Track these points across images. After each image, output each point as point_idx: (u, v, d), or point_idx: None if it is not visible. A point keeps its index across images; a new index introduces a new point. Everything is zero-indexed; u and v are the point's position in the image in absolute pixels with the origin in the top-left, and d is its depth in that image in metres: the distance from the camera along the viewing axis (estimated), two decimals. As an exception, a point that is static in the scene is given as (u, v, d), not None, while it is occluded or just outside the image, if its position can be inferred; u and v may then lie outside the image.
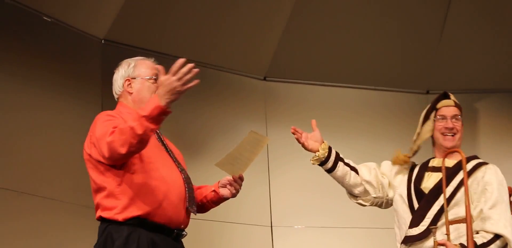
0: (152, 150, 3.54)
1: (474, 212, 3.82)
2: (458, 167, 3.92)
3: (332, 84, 7.23)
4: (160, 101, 3.24)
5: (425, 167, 4.07)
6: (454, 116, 4.08)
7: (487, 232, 3.77)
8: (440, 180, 3.89)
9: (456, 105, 4.13)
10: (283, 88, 7.07)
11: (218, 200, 3.74)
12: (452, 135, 4.04)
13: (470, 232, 3.60)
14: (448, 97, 4.16)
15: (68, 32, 5.89)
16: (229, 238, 6.46)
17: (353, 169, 4.18)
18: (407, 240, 3.88)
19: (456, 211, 3.81)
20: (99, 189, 3.50)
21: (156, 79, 3.66)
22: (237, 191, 3.70)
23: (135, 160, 3.46)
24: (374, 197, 4.17)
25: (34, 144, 5.46)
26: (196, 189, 3.75)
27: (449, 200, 3.83)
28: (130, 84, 3.70)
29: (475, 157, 4.08)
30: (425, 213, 3.86)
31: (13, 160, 5.33)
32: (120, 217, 3.43)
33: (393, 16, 7.00)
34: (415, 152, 4.16)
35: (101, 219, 3.50)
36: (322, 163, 4.14)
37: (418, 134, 4.16)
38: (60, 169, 5.58)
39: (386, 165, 4.22)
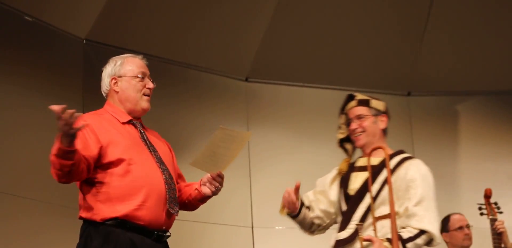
0: (132, 151, 3.53)
1: (400, 209, 3.84)
2: (382, 164, 3.94)
3: (314, 86, 7.23)
4: (61, 142, 3.25)
5: (352, 168, 4.11)
6: (357, 117, 4.10)
7: (413, 228, 3.82)
8: (365, 181, 3.94)
9: (360, 104, 4.15)
10: (265, 89, 7.07)
11: (202, 198, 3.72)
12: (360, 135, 4.07)
13: (394, 225, 3.62)
14: (353, 99, 4.18)
15: (49, 31, 5.87)
16: (211, 239, 6.45)
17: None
18: (337, 244, 3.94)
19: (382, 209, 3.83)
20: (81, 189, 3.52)
21: (143, 77, 3.67)
22: (218, 189, 3.67)
23: (114, 161, 3.47)
24: (326, 225, 4.19)
25: (14, 145, 5.43)
26: (184, 187, 3.74)
27: (374, 199, 3.87)
28: (116, 82, 3.68)
29: (400, 152, 4.09)
30: (351, 216, 3.92)
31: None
32: (98, 218, 3.44)
33: (374, 17, 7.01)
34: (347, 153, 4.20)
35: (81, 219, 3.51)
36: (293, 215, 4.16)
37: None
38: (41, 170, 5.55)
39: (320, 182, 4.24)
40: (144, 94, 3.68)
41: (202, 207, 3.85)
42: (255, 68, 7.03)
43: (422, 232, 3.81)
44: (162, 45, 6.49)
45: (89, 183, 3.48)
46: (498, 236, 5.26)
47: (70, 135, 3.22)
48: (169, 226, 3.58)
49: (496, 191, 5.52)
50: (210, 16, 6.59)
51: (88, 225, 3.47)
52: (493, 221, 5.30)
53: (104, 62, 6.15)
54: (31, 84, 5.64)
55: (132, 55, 3.80)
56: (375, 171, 3.95)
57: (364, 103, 4.14)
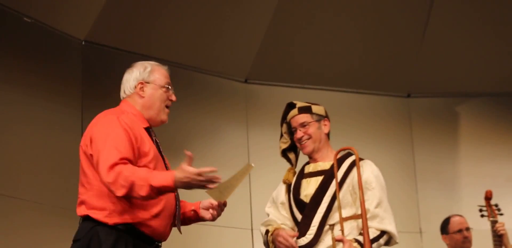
0: (156, 161, 3.51)
1: (359, 211, 3.86)
2: (333, 168, 3.95)
3: (313, 87, 7.22)
4: (173, 183, 3.25)
5: (301, 175, 4.12)
6: (301, 125, 4.10)
7: (375, 229, 3.88)
8: (320, 186, 3.97)
9: (301, 111, 4.15)
10: (264, 90, 7.05)
11: (196, 220, 3.73)
12: (306, 142, 4.09)
13: (365, 227, 3.65)
14: (293, 107, 4.17)
15: (48, 33, 5.85)
16: (210, 241, 6.43)
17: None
18: None
19: (346, 212, 3.86)
20: (90, 185, 3.44)
21: (168, 89, 3.68)
22: (218, 216, 3.71)
23: (139, 166, 3.43)
24: None
25: (13, 145, 5.41)
26: None
27: (332, 203, 3.91)
28: (142, 87, 3.66)
29: (349, 154, 4.10)
30: (310, 222, 3.93)
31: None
32: (111, 221, 3.39)
33: (374, 19, 7.00)
34: (290, 162, 4.21)
35: (86, 217, 3.44)
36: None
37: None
38: (38, 172, 5.54)
39: (276, 195, 4.21)
40: (166, 106, 3.69)
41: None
42: (255, 69, 7.01)
43: (383, 232, 3.89)
44: (160, 46, 6.48)
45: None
46: (498, 238, 5.25)
47: (191, 189, 3.29)
48: (166, 239, 3.59)
49: (497, 193, 5.51)
50: (210, 18, 6.57)
51: (95, 225, 3.40)
52: (493, 223, 5.30)
53: (103, 63, 6.17)
54: (29, 85, 5.62)
55: (159, 64, 3.79)
56: (329, 175, 3.98)
57: (306, 110, 4.14)
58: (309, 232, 3.92)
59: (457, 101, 7.44)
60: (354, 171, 3.96)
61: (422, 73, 7.30)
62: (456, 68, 7.28)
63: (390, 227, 3.92)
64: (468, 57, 7.20)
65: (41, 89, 5.67)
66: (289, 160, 4.20)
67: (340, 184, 3.93)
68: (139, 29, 6.34)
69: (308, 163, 4.17)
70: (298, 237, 3.93)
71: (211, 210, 3.68)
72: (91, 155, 3.42)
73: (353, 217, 3.78)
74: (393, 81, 7.33)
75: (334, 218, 3.89)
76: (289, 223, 4.07)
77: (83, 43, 6.10)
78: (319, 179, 4.01)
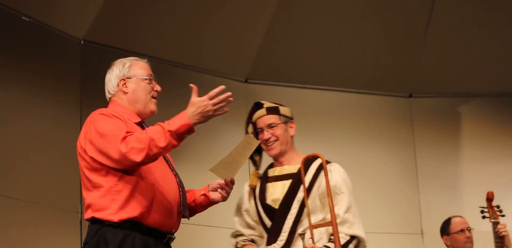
0: None
1: (328, 216, 3.84)
2: (300, 172, 3.90)
3: (314, 87, 7.20)
4: (189, 119, 3.28)
5: (266, 179, 4.05)
6: (268, 125, 4.04)
7: (345, 234, 3.85)
8: (288, 190, 3.91)
9: (269, 112, 4.09)
10: (265, 90, 7.03)
11: (208, 204, 3.70)
12: (273, 144, 4.02)
13: (336, 235, 3.61)
14: (261, 107, 4.12)
15: (47, 32, 5.84)
16: (211, 242, 6.40)
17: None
18: None
19: (312, 218, 3.83)
20: (94, 187, 3.43)
21: (151, 80, 3.68)
22: (228, 195, 3.65)
23: None
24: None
25: (10, 144, 5.39)
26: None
27: (302, 208, 3.86)
28: (125, 83, 3.67)
29: (316, 157, 4.03)
30: (280, 228, 3.87)
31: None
32: (116, 218, 3.36)
33: (376, 19, 6.98)
34: (255, 164, 4.15)
35: (93, 220, 3.43)
36: None
37: None
38: (42, 173, 5.53)
39: (241, 201, 4.15)
40: (152, 97, 3.70)
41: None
42: (255, 69, 6.99)
43: (353, 237, 3.87)
44: (160, 46, 6.46)
45: (106, 181, 3.40)
46: (500, 239, 5.23)
47: (209, 117, 3.30)
48: (177, 229, 3.57)
49: (498, 194, 5.49)
50: (209, 17, 6.56)
51: (102, 226, 3.38)
52: (495, 224, 5.27)
53: (102, 62, 6.12)
54: (28, 85, 5.62)
55: (138, 58, 3.79)
56: (296, 180, 3.92)
57: (274, 111, 4.09)
58: (280, 239, 3.86)
59: (459, 101, 7.42)
60: (322, 174, 3.90)
61: (424, 73, 7.28)
62: (458, 68, 7.26)
63: (359, 231, 3.89)
64: (470, 57, 7.18)
65: (40, 88, 5.66)
66: (254, 162, 4.12)
67: (309, 189, 3.88)
68: (138, 28, 6.33)
69: (271, 166, 4.09)
70: (269, 244, 3.88)
71: (219, 190, 3.65)
72: (90, 157, 3.41)
73: (323, 225, 3.72)
74: (394, 81, 7.31)
75: (304, 223, 3.84)
76: (255, 230, 4.00)
77: (81, 42, 6.09)
78: (285, 183, 3.95)
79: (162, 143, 3.24)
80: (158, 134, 3.24)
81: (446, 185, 7.19)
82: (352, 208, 3.91)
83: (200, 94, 6.77)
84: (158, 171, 3.48)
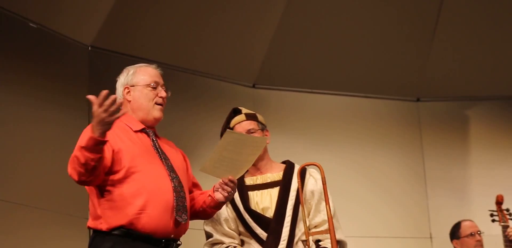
0: (140, 159, 3.51)
1: (313, 222, 3.88)
2: (287, 179, 3.91)
3: (322, 92, 7.20)
4: (93, 131, 3.22)
5: (244, 187, 3.99)
6: (248, 131, 4.00)
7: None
8: (279, 198, 3.88)
9: (249, 118, 4.06)
10: (272, 95, 7.03)
11: (216, 204, 3.67)
12: None
13: (334, 241, 3.62)
14: (239, 112, 4.09)
15: (54, 38, 5.85)
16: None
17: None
18: None
19: (300, 224, 3.84)
20: (90, 198, 3.51)
21: (155, 87, 3.68)
22: (230, 194, 3.61)
23: (121, 169, 3.45)
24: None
25: (18, 150, 5.40)
26: (199, 195, 3.72)
27: (295, 215, 3.86)
28: (129, 92, 3.69)
29: (292, 163, 4.03)
30: (279, 236, 3.85)
31: (4, 171, 5.28)
32: (104, 227, 3.42)
33: (382, 23, 6.98)
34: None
35: (89, 228, 3.50)
36: None
37: None
38: (51, 180, 5.53)
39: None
40: (156, 103, 3.69)
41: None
42: (262, 74, 6.99)
43: (338, 242, 3.82)
44: (168, 51, 6.47)
45: (98, 191, 3.47)
46: (510, 243, 5.22)
47: (108, 123, 3.21)
48: (178, 234, 3.55)
49: (508, 197, 5.49)
50: (216, 22, 6.56)
51: (96, 235, 3.46)
52: (505, 227, 5.27)
53: (110, 68, 6.15)
54: (36, 91, 5.63)
55: (146, 64, 3.80)
56: (285, 187, 3.90)
57: (253, 117, 4.06)
58: (280, 247, 3.83)
59: (467, 105, 7.40)
60: (306, 181, 3.92)
61: (431, 77, 7.28)
62: (466, 71, 7.25)
63: (342, 236, 3.90)
64: (478, 61, 7.17)
65: (48, 94, 5.67)
66: None
67: (297, 196, 3.86)
68: (145, 34, 6.34)
69: (246, 173, 4.03)
70: None
71: (220, 190, 3.62)
72: None
73: (321, 232, 3.73)
74: (402, 85, 7.31)
75: (300, 228, 3.84)
76: (235, 239, 3.95)
77: (89, 48, 6.10)
78: (272, 191, 3.93)
79: (81, 160, 3.25)
80: (77, 151, 3.26)
81: (455, 189, 7.17)
82: (336, 214, 3.92)
83: (209, 99, 6.82)
84: (147, 177, 3.48)
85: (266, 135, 4.04)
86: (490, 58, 7.16)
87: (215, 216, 3.93)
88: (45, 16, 5.77)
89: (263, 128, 4.06)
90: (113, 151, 3.46)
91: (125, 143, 3.53)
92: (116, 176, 3.46)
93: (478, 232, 5.57)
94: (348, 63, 7.11)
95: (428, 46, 7.12)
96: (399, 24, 7.01)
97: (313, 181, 3.94)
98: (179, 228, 3.53)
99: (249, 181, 4.01)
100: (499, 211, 5.35)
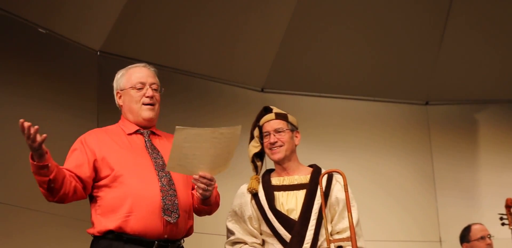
0: (127, 162, 3.53)
1: (336, 227, 3.87)
2: (314, 183, 3.89)
3: (330, 95, 7.19)
4: (31, 158, 3.34)
5: (270, 186, 3.97)
6: (276, 130, 4.00)
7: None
8: (305, 202, 3.87)
9: (278, 117, 4.05)
10: (281, 99, 7.02)
11: (201, 201, 3.62)
12: (277, 148, 3.97)
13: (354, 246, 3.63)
14: (269, 111, 4.09)
15: (63, 43, 5.86)
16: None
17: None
18: None
19: (323, 229, 3.82)
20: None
21: (140, 88, 3.66)
22: (206, 190, 3.51)
23: (107, 175, 3.51)
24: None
25: (25, 155, 5.39)
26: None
27: (319, 220, 3.84)
28: (120, 96, 3.72)
29: (319, 168, 4.01)
30: (303, 239, 3.83)
31: (8, 174, 5.28)
32: (96, 231, 3.49)
33: (391, 27, 6.97)
34: (256, 169, 4.07)
35: (89, 234, 3.59)
36: None
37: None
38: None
39: (240, 208, 4.02)
40: (143, 104, 3.67)
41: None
42: (271, 78, 7.00)
43: None
44: (176, 56, 6.48)
45: (92, 198, 3.56)
46: (519, 246, 5.20)
47: (35, 149, 3.29)
48: (174, 234, 3.52)
49: (517, 201, 5.46)
50: (226, 28, 6.57)
51: (93, 239, 3.53)
52: (515, 231, 5.25)
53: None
54: (46, 96, 5.63)
55: (136, 64, 3.81)
56: (311, 190, 3.89)
57: (283, 117, 4.06)
58: None
59: (475, 108, 7.40)
60: (333, 187, 3.91)
61: (440, 80, 7.27)
62: (474, 74, 7.24)
63: (364, 244, 3.89)
64: (486, 64, 7.16)
65: (57, 99, 5.68)
66: (255, 167, 4.06)
67: (325, 201, 3.85)
68: (154, 39, 6.34)
69: (273, 173, 4.04)
70: None
71: (195, 187, 3.57)
72: None
73: (343, 239, 3.73)
74: (411, 89, 7.30)
75: (322, 234, 3.82)
76: (257, 239, 3.94)
77: (98, 53, 6.11)
78: (298, 193, 3.92)
79: (38, 183, 3.37)
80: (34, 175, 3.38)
81: (464, 192, 7.16)
82: (359, 222, 3.92)
83: (217, 103, 6.82)
84: (133, 179, 3.49)
85: (296, 136, 4.04)
86: (499, 61, 7.16)
87: (239, 213, 3.94)
88: (54, 21, 5.78)
89: (292, 129, 4.05)
90: (95, 160, 3.51)
91: (111, 149, 3.56)
92: (103, 182, 3.51)
93: (488, 236, 5.56)
94: (356, 67, 7.11)
95: (436, 50, 7.11)
96: (408, 28, 7.01)
97: (339, 187, 3.92)
98: (173, 228, 3.51)
99: (275, 181, 3.99)
100: (508, 214, 5.33)
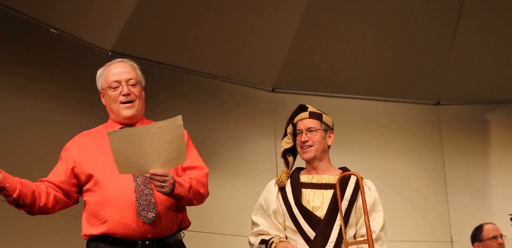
0: (104, 164, 3.52)
1: (361, 231, 3.85)
2: (343, 184, 3.88)
3: (341, 96, 7.19)
4: None
5: (298, 183, 3.97)
6: (308, 129, 3.99)
7: None
8: (332, 201, 3.85)
9: (312, 116, 4.04)
10: (292, 99, 7.02)
11: (175, 199, 3.52)
12: (308, 147, 3.97)
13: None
14: (304, 110, 4.08)
15: (75, 44, 5.88)
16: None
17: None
18: None
19: (350, 232, 3.84)
20: None
21: (116, 87, 3.63)
22: (162, 187, 3.38)
23: (87, 179, 3.53)
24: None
25: (37, 152, 5.42)
26: None
27: (346, 220, 3.83)
28: (103, 96, 3.71)
29: (347, 170, 4.00)
30: (327, 237, 3.81)
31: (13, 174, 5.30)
32: (85, 235, 3.54)
33: (402, 27, 6.97)
34: (287, 165, 4.07)
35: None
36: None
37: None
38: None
39: (266, 201, 4.00)
40: (121, 102, 3.63)
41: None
42: (282, 78, 7.00)
43: None
44: (187, 56, 6.49)
45: (84, 202, 3.61)
46: (531, 247, 5.19)
47: None
48: (157, 233, 3.49)
49: (529, 201, 5.46)
50: (236, 27, 6.58)
51: (86, 241, 3.58)
52: (526, 231, 5.24)
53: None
54: (57, 97, 5.65)
55: (113, 61, 3.76)
56: (340, 190, 3.86)
57: (317, 116, 4.05)
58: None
59: (487, 108, 7.38)
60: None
61: (452, 80, 7.26)
62: (486, 75, 7.23)
63: None
64: (498, 64, 7.15)
65: (68, 100, 5.70)
66: (286, 162, 4.06)
67: (350, 203, 3.87)
68: (165, 39, 6.35)
69: (303, 171, 4.04)
70: None
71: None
72: None
73: (360, 242, 3.72)
74: (422, 89, 7.30)
75: (348, 234, 3.82)
76: (282, 233, 3.92)
77: (109, 54, 6.12)
78: (325, 192, 3.91)
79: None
80: None
81: (475, 193, 7.15)
82: (385, 227, 3.93)
83: (228, 103, 6.83)
84: (109, 181, 3.49)
85: (329, 137, 4.03)
86: (510, 62, 7.14)
87: (264, 206, 3.94)
88: (65, 21, 5.80)
89: (326, 129, 4.04)
90: (73, 167, 3.54)
91: (91, 152, 3.56)
92: (87, 187, 3.55)
93: (500, 235, 5.55)
94: (367, 67, 7.10)
95: (448, 50, 7.11)
96: (419, 29, 7.00)
97: (367, 190, 3.92)
98: (153, 227, 3.47)
99: (304, 178, 3.99)
100: (523, 218, 5.33)
